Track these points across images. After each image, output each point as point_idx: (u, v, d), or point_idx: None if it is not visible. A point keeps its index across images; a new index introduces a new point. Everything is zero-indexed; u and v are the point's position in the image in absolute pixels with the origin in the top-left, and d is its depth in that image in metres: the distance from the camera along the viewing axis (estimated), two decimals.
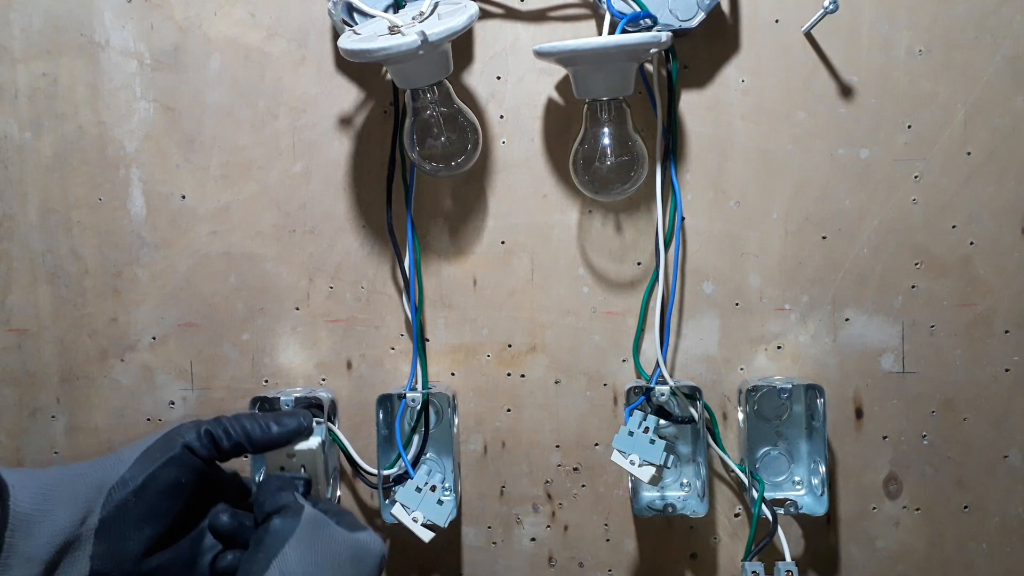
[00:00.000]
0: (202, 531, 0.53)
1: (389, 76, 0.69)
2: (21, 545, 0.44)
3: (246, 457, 0.67)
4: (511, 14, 0.69)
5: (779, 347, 0.70)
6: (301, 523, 0.50)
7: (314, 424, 0.60)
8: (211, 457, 0.52)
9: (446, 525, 0.65)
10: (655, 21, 0.63)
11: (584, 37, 0.66)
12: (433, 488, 0.66)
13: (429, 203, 0.71)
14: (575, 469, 0.72)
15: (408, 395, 0.67)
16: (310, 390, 0.70)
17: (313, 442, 0.60)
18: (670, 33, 0.61)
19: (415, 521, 0.65)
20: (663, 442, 0.65)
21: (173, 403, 0.73)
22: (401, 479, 0.67)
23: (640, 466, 0.64)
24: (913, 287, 0.69)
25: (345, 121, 0.70)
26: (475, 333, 0.71)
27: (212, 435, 0.52)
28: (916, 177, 0.68)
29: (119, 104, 0.71)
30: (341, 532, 0.51)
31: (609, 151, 0.65)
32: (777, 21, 0.67)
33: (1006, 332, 0.69)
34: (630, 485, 0.69)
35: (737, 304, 0.70)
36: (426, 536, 0.65)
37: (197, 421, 0.54)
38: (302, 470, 0.62)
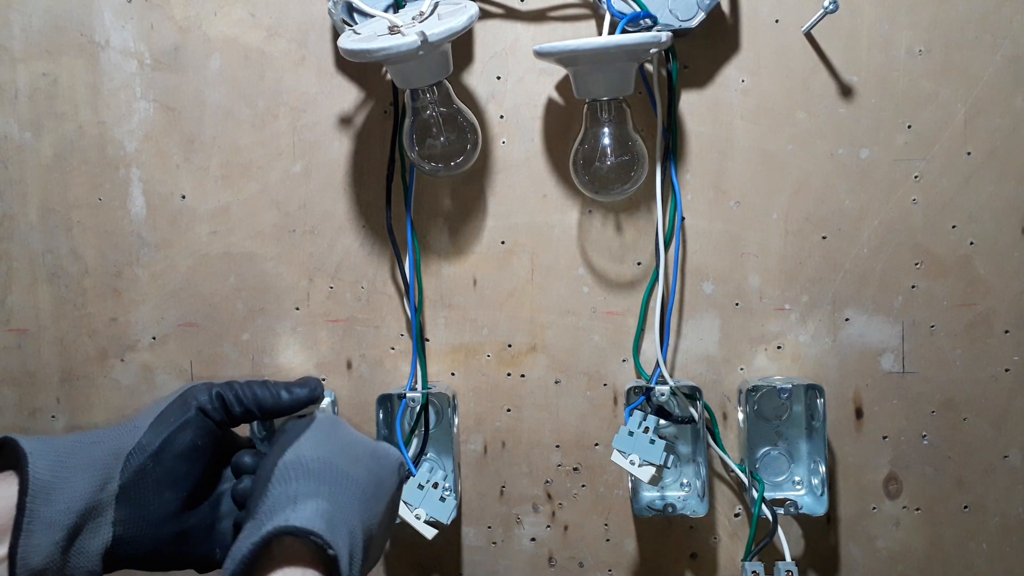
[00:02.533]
0: (219, 496, 0.53)
1: (389, 76, 0.69)
2: (42, 511, 0.44)
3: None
4: (511, 14, 0.69)
5: (779, 347, 0.70)
6: (316, 420, 0.51)
7: (324, 391, 0.59)
8: (222, 421, 0.53)
9: (449, 522, 0.66)
10: (655, 21, 0.63)
11: (584, 37, 0.66)
12: (435, 485, 0.66)
13: (429, 203, 0.71)
14: (575, 469, 0.72)
15: (408, 395, 0.67)
16: None
17: (323, 402, 0.60)
18: (670, 33, 0.61)
19: (418, 518, 0.65)
20: (663, 442, 0.65)
21: None
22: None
23: (640, 466, 0.64)
24: (913, 287, 0.69)
25: (345, 121, 0.70)
26: (475, 333, 0.71)
27: (223, 399, 0.53)
28: (916, 177, 0.68)
29: (119, 104, 0.71)
30: (356, 433, 0.52)
31: (609, 151, 0.65)
32: (777, 21, 0.67)
33: (1006, 332, 0.69)
34: (630, 485, 0.69)
35: (737, 304, 0.70)
36: (429, 533, 0.65)
37: (209, 383, 0.54)
38: None
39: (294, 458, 0.47)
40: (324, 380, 0.72)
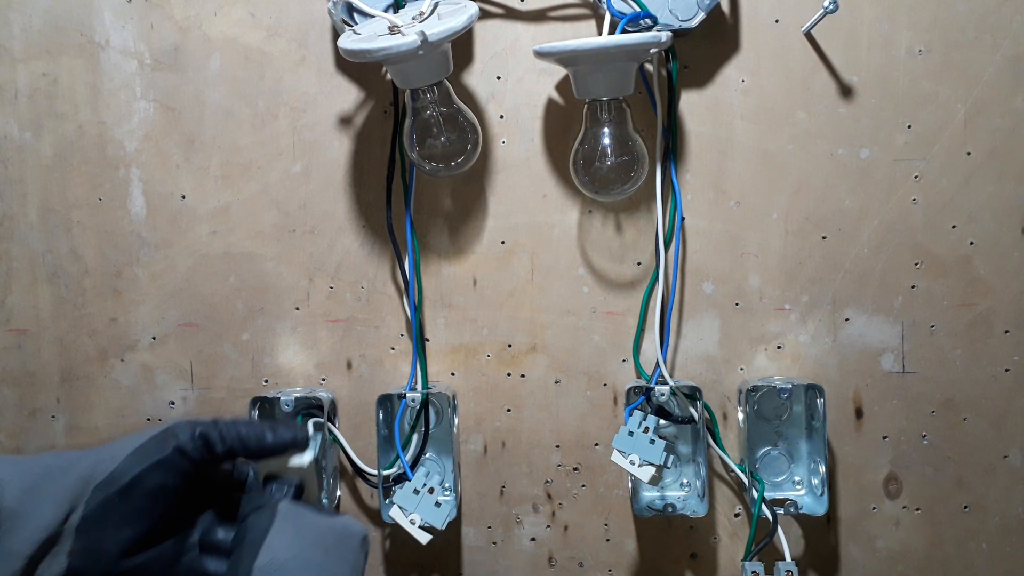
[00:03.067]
0: (188, 531, 0.52)
1: (389, 76, 0.69)
2: (5, 540, 0.43)
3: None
4: (511, 14, 0.69)
5: (779, 347, 0.70)
6: (278, 513, 0.50)
7: (310, 437, 0.58)
8: (203, 460, 0.52)
9: (443, 528, 0.65)
10: (655, 21, 0.63)
11: (584, 37, 0.67)
12: (431, 490, 0.66)
13: (429, 203, 0.71)
14: (575, 469, 0.72)
15: (408, 395, 0.67)
16: (310, 390, 0.70)
17: (305, 459, 0.58)
18: (670, 33, 0.61)
19: (412, 523, 0.65)
20: (663, 442, 0.65)
21: (173, 403, 0.73)
22: (401, 479, 0.67)
23: (640, 466, 0.64)
24: (913, 287, 0.69)
25: (345, 121, 0.70)
26: (475, 333, 0.71)
27: (206, 438, 0.52)
28: (916, 177, 0.68)
29: (119, 104, 0.71)
30: (319, 517, 0.52)
31: (609, 151, 0.65)
32: (777, 21, 0.67)
33: (1006, 332, 0.69)
34: (630, 485, 0.69)
35: (737, 304, 0.70)
36: (423, 538, 0.65)
37: (193, 421, 0.53)
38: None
39: (269, 561, 0.46)
40: (324, 380, 0.72)
